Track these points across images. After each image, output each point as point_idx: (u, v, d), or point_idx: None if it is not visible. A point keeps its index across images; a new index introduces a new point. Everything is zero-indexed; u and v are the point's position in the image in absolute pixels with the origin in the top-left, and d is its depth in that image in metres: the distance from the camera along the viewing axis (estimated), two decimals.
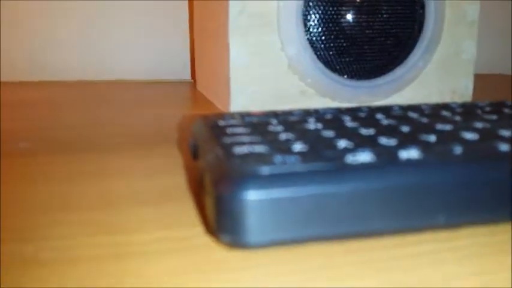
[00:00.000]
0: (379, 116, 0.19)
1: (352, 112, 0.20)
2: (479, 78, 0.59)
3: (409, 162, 0.14)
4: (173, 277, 0.12)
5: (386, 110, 0.21)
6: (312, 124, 0.18)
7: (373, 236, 0.14)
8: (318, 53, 0.35)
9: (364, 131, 0.17)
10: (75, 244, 0.13)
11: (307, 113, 0.20)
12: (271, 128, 0.18)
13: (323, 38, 0.35)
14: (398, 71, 0.38)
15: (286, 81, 0.35)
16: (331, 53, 0.36)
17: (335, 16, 0.35)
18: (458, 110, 0.21)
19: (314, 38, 0.35)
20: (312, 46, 0.35)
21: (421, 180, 0.13)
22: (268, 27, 0.34)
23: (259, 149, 0.15)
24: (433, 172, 0.13)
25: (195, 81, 0.59)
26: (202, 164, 0.15)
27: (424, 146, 0.15)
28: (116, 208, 0.16)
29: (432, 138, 0.16)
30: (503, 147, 0.15)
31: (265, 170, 0.13)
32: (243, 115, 0.20)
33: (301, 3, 0.34)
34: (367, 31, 0.36)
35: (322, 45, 0.35)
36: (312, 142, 0.16)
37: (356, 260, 0.13)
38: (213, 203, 0.13)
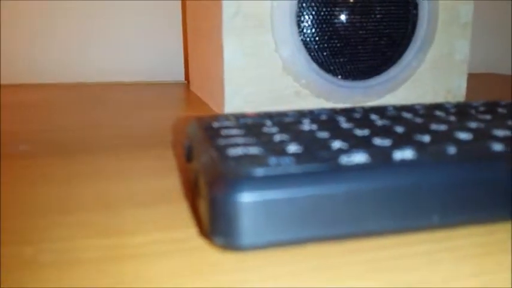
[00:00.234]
0: (373, 116, 0.19)
1: (347, 113, 0.20)
2: (472, 78, 0.60)
3: (403, 162, 0.14)
4: (170, 279, 0.12)
5: (380, 110, 0.21)
6: (306, 125, 0.18)
7: (368, 237, 0.14)
8: (312, 53, 0.35)
9: (358, 132, 0.17)
10: (73, 246, 0.13)
11: (301, 114, 0.20)
12: (265, 129, 0.18)
13: (317, 38, 0.35)
14: (392, 71, 0.38)
15: (281, 82, 0.35)
16: (325, 53, 0.36)
17: (328, 17, 0.35)
18: (452, 110, 0.21)
19: (308, 39, 0.35)
20: (306, 47, 0.35)
21: (415, 181, 0.13)
22: (263, 28, 0.34)
23: (254, 150, 0.15)
24: (427, 172, 0.13)
25: (188, 82, 0.59)
26: (197, 166, 0.15)
27: (418, 146, 0.15)
28: (113, 210, 0.16)
29: (426, 138, 0.16)
30: (497, 146, 0.15)
31: (259, 171, 0.13)
32: (238, 116, 0.20)
33: (295, 4, 0.34)
34: (360, 31, 0.37)
35: (316, 46, 0.35)
36: (306, 143, 0.15)
37: (353, 260, 0.13)
38: (207, 205, 0.13)
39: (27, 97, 0.25)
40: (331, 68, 0.36)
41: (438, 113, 0.20)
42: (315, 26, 0.35)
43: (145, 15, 0.56)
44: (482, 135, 0.16)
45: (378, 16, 0.37)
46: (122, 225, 0.15)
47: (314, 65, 0.35)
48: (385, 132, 0.17)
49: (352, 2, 0.36)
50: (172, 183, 0.19)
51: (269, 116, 0.20)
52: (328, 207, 0.13)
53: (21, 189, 0.17)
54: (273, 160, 0.14)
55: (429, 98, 0.40)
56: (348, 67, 0.37)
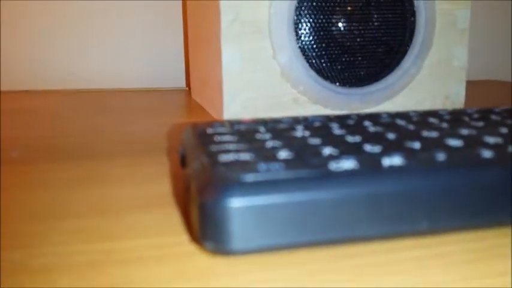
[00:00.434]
0: (366, 123, 0.20)
1: (341, 120, 0.20)
2: (472, 85, 0.60)
3: (392, 169, 0.14)
4: (161, 283, 0.12)
5: (374, 117, 0.21)
6: (299, 132, 0.18)
7: (357, 242, 0.14)
8: (310, 60, 0.35)
9: (350, 139, 0.17)
10: (65, 251, 0.14)
11: (296, 121, 0.20)
12: (258, 135, 0.18)
13: (314, 45, 0.35)
14: (390, 78, 0.38)
15: (279, 89, 0.35)
16: (323, 60, 0.36)
17: (326, 24, 0.36)
18: (446, 117, 0.21)
19: (306, 46, 0.35)
20: (303, 54, 0.35)
21: (403, 187, 0.13)
22: (261, 35, 0.34)
23: (245, 156, 0.15)
24: (415, 179, 0.14)
25: (189, 88, 0.59)
26: (189, 171, 0.16)
27: (408, 153, 0.15)
28: (107, 215, 0.16)
29: (417, 145, 0.16)
30: (486, 153, 0.15)
31: (248, 177, 0.13)
32: (233, 123, 0.20)
33: (292, 11, 0.34)
34: (358, 39, 0.37)
35: (314, 53, 0.36)
36: (297, 149, 0.16)
37: (343, 265, 0.13)
38: (197, 211, 0.13)
39: (28, 103, 0.25)
40: (329, 74, 0.36)
41: (431, 120, 0.20)
42: (313, 33, 0.35)
43: (147, 22, 0.56)
44: (473, 142, 0.16)
45: (376, 23, 0.37)
46: (115, 230, 0.15)
47: (312, 72, 0.36)
48: (376, 139, 0.17)
49: (349, 10, 0.36)
50: (167, 189, 0.19)
51: (263, 122, 0.20)
52: (317, 212, 0.13)
53: (19, 195, 0.17)
54: (262, 166, 0.14)
55: (427, 105, 0.40)
56: (346, 74, 0.37)
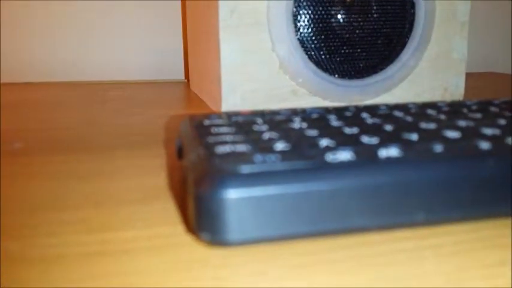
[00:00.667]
0: (364, 115, 0.20)
1: (339, 111, 0.20)
2: (472, 77, 0.60)
3: (389, 160, 0.14)
4: (157, 273, 0.12)
5: (372, 109, 0.21)
6: (297, 123, 0.18)
7: (353, 233, 0.14)
8: (309, 52, 0.35)
9: (347, 130, 0.17)
10: (62, 241, 0.14)
11: (293, 113, 0.20)
12: (256, 127, 0.18)
13: (313, 37, 0.35)
14: (389, 70, 0.38)
15: (278, 81, 0.35)
16: (321, 52, 0.36)
17: (325, 16, 0.35)
18: (445, 108, 0.21)
19: (305, 38, 0.35)
20: (302, 46, 0.35)
21: (399, 178, 0.13)
22: (259, 27, 0.34)
23: (241, 148, 0.15)
24: (412, 170, 0.14)
25: (188, 81, 0.59)
26: (186, 163, 0.16)
27: (405, 145, 0.15)
28: (105, 207, 0.16)
29: (414, 136, 0.16)
30: (484, 145, 0.15)
31: (244, 168, 0.13)
32: (230, 115, 0.20)
33: (291, 3, 0.34)
34: (357, 31, 0.37)
35: (313, 45, 0.35)
36: (294, 141, 0.16)
37: (337, 256, 0.13)
38: (193, 202, 0.13)
39: (28, 96, 0.25)
40: (328, 66, 0.36)
41: (430, 111, 0.20)
42: (312, 25, 0.35)
43: (146, 14, 0.56)
44: (471, 134, 0.16)
45: (375, 15, 0.37)
46: (112, 221, 0.15)
47: (311, 64, 0.35)
48: (374, 130, 0.17)
49: (348, 1, 0.36)
50: (164, 181, 0.19)
51: (261, 114, 0.20)
52: (313, 203, 0.13)
53: (18, 186, 0.17)
54: (258, 157, 0.14)
55: (426, 97, 0.40)
56: (345, 66, 0.37)
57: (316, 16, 0.35)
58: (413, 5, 0.37)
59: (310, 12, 0.35)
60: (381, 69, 0.38)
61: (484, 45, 0.73)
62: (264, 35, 0.34)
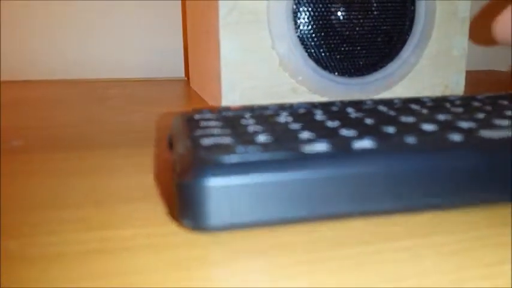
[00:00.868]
0: (350, 109, 0.20)
1: (325, 106, 0.21)
2: (472, 74, 0.60)
3: (362, 151, 0.15)
4: (157, 272, 0.13)
5: (358, 104, 0.22)
6: (283, 117, 0.19)
7: (326, 220, 0.15)
8: (309, 50, 0.36)
9: (329, 124, 0.18)
10: (61, 240, 0.14)
11: (281, 108, 0.21)
12: (243, 121, 0.19)
13: (313, 35, 0.36)
14: (390, 68, 0.38)
15: (278, 79, 0.36)
16: (321, 50, 0.37)
17: (325, 13, 0.36)
18: (429, 103, 0.21)
19: (304, 36, 0.36)
20: (302, 43, 0.36)
21: (370, 169, 0.14)
22: (259, 24, 0.35)
23: (225, 140, 0.16)
24: (382, 160, 0.14)
25: (188, 79, 0.60)
26: (174, 155, 0.16)
27: (381, 137, 0.16)
28: (104, 205, 0.16)
29: (391, 129, 0.17)
30: (456, 137, 0.15)
31: (226, 158, 0.14)
32: (221, 110, 0.21)
33: (291, 1, 0.35)
34: (357, 28, 0.37)
35: (313, 43, 0.36)
36: (277, 134, 0.16)
37: (335, 255, 0.14)
38: (177, 190, 0.14)
39: (28, 94, 0.26)
40: (328, 64, 0.37)
41: (413, 106, 0.21)
42: (312, 22, 0.36)
43: (146, 12, 0.57)
44: (446, 127, 0.17)
45: (375, 13, 0.38)
46: (111, 220, 0.16)
47: (311, 62, 0.36)
48: (354, 124, 0.18)
49: None
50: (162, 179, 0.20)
51: (251, 109, 0.21)
52: (289, 191, 0.14)
53: (18, 184, 0.18)
54: (240, 149, 0.15)
55: (427, 94, 0.40)
56: (345, 64, 0.37)
57: (316, 13, 0.36)
58: (413, 2, 0.38)
59: (310, 9, 0.36)
60: (381, 67, 0.38)
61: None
62: (263, 33, 0.35)
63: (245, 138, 0.16)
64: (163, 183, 0.18)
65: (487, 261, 0.13)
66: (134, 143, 0.21)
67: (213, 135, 0.17)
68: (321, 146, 0.15)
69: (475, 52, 0.69)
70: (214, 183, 0.14)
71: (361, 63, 0.38)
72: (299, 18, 0.36)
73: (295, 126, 0.18)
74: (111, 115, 0.24)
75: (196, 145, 0.15)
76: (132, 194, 0.18)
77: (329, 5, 0.36)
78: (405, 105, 0.21)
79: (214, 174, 0.14)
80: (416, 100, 0.22)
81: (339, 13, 0.37)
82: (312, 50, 0.36)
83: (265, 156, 0.14)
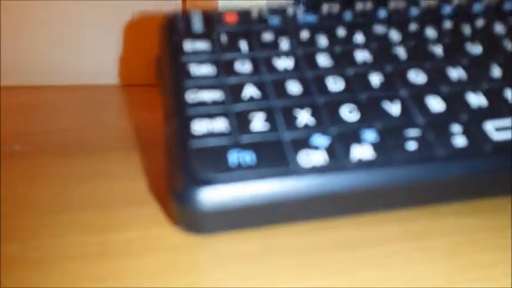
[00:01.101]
0: (358, 37, 0.18)
1: (329, 30, 0.19)
2: None
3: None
4: (157, 274, 0.14)
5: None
6: (282, 61, 0.17)
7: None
8: None
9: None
10: (63, 244, 0.15)
11: (282, 32, 0.19)
12: (238, 65, 0.17)
13: None
14: None
15: None
16: None
17: None
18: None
19: None
20: None
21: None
22: None
23: (219, 127, 0.15)
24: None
25: None
26: (165, 133, 0.16)
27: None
28: (104, 209, 0.16)
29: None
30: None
31: (219, 178, 0.14)
32: (215, 29, 0.18)
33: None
34: None
35: None
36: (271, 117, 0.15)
37: (328, 259, 0.14)
38: (171, 200, 0.14)
39: (29, 99, 0.23)
40: None
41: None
42: None
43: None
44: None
45: None
46: (111, 223, 0.16)
47: None
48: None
49: None
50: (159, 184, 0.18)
51: (248, 31, 0.18)
52: (281, 206, 0.14)
53: (18, 188, 0.17)
54: (233, 159, 0.14)
55: None
56: None
57: None
58: None
59: None
60: None
61: None
62: None
63: (238, 126, 0.15)
64: (158, 188, 0.18)
65: (485, 264, 0.14)
66: (135, 147, 0.20)
67: (204, 116, 0.15)
68: (316, 157, 0.14)
69: None
70: (208, 207, 0.14)
71: None
72: None
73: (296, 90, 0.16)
74: (111, 120, 0.21)
75: (187, 148, 0.14)
76: (131, 198, 0.17)
77: None
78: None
79: (209, 199, 0.14)
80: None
81: None
82: None
83: (259, 174, 0.14)
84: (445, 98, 0.16)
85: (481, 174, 0.15)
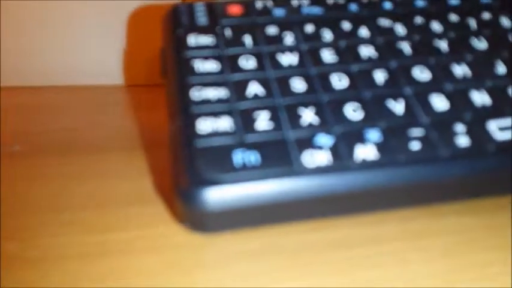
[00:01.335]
0: (362, 31, 0.18)
1: (334, 23, 0.18)
2: None
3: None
4: (157, 273, 0.14)
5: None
6: (287, 56, 0.17)
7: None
8: None
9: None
10: (63, 243, 0.15)
11: (286, 26, 0.18)
12: (242, 61, 0.17)
13: None
14: None
15: None
16: None
17: None
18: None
19: None
20: None
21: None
22: None
23: (224, 126, 0.15)
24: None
25: None
26: (171, 131, 0.16)
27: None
28: (104, 208, 0.16)
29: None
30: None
31: (224, 178, 0.14)
32: (218, 23, 0.18)
33: None
34: None
35: None
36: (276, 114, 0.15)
37: (325, 258, 0.14)
38: (177, 200, 0.14)
39: (29, 99, 0.22)
40: None
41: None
42: None
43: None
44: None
45: None
46: (111, 222, 0.16)
47: None
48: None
49: None
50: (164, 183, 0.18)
51: (253, 24, 0.18)
52: (285, 206, 0.14)
53: (19, 188, 0.17)
54: (238, 160, 0.14)
55: None
56: None
57: None
58: None
59: None
60: None
61: None
62: None
63: (244, 121, 0.15)
64: (163, 185, 0.18)
65: (483, 263, 0.14)
66: (136, 147, 0.19)
67: (209, 114, 0.15)
68: (320, 158, 0.14)
69: None
70: (214, 207, 0.14)
71: None
72: None
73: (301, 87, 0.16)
74: (111, 120, 0.21)
75: (191, 145, 0.15)
76: (132, 197, 0.17)
77: None
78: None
79: (215, 200, 0.14)
80: None
81: None
82: None
83: (264, 174, 0.14)
84: (449, 97, 0.16)
85: (483, 174, 0.15)
